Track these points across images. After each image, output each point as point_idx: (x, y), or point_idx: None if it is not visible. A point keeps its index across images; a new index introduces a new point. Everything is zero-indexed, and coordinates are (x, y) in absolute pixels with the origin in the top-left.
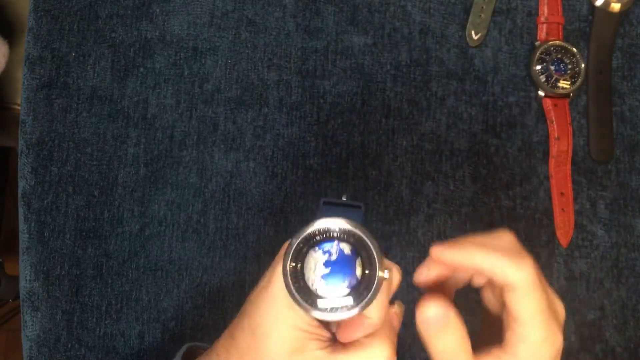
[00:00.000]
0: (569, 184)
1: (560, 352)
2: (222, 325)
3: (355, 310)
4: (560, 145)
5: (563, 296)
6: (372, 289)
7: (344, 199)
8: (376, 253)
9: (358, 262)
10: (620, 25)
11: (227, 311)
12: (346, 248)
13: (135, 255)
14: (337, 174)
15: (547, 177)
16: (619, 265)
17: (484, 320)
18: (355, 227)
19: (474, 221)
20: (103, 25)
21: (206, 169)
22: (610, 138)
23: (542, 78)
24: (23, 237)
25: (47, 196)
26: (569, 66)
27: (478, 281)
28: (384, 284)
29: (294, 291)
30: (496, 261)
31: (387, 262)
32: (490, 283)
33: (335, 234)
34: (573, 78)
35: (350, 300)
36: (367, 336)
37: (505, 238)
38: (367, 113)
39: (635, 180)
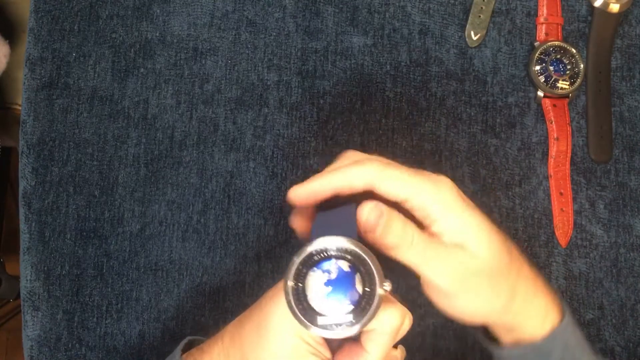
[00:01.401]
0: (568, 184)
1: None
2: (222, 325)
3: (356, 328)
4: (560, 146)
5: (562, 296)
6: (373, 306)
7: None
8: (375, 269)
9: (358, 278)
10: (619, 26)
11: (227, 311)
12: (344, 265)
13: (135, 255)
14: None
15: (547, 177)
16: (618, 265)
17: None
18: (352, 244)
19: None
20: (104, 25)
21: (206, 169)
22: (609, 138)
23: (542, 78)
24: (24, 237)
25: (48, 196)
26: (568, 66)
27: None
28: (392, 330)
29: (295, 310)
30: (342, 173)
31: (399, 305)
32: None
33: (332, 253)
34: (572, 78)
35: (350, 317)
36: None
37: (347, 155)
38: (367, 113)
39: (634, 180)
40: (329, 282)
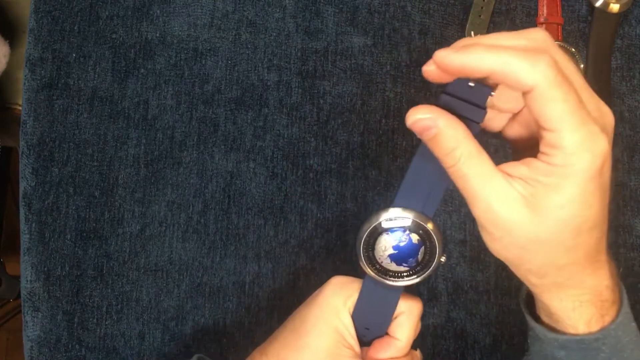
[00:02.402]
0: None
1: (606, 159)
2: (222, 325)
3: (406, 282)
4: None
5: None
6: (428, 270)
7: None
8: (438, 244)
9: (421, 251)
10: (620, 26)
11: (227, 311)
12: (414, 238)
13: (135, 256)
14: (337, 174)
15: None
16: (618, 265)
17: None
18: (426, 222)
19: (473, 221)
20: (104, 26)
21: (206, 170)
22: None
23: None
24: (24, 238)
25: (48, 197)
26: None
27: (501, 103)
28: (418, 313)
29: (362, 255)
30: (506, 62)
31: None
32: (515, 113)
33: (407, 224)
34: None
35: (407, 272)
36: None
37: (527, 35)
38: (367, 113)
39: (634, 180)
40: (396, 247)
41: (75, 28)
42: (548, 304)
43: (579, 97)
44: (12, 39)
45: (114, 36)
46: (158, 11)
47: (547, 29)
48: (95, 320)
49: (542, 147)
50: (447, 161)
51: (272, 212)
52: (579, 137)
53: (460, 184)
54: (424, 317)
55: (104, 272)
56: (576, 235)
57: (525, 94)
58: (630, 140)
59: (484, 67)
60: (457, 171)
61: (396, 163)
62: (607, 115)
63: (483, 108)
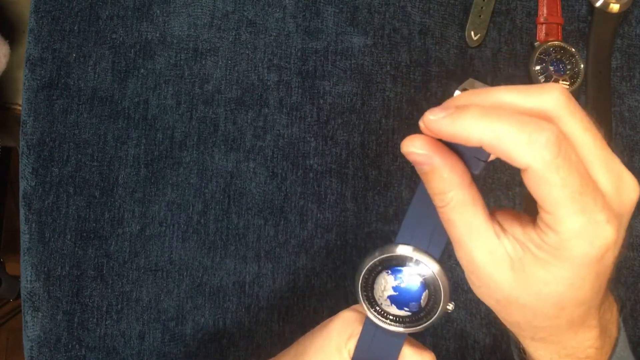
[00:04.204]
0: None
1: (608, 249)
2: (222, 325)
3: (407, 329)
4: None
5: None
6: (432, 319)
7: None
8: (444, 290)
9: (425, 295)
10: (620, 26)
11: (227, 311)
12: (417, 280)
13: (135, 256)
14: (337, 174)
15: None
16: (618, 265)
17: (526, 207)
18: (430, 263)
19: None
20: (104, 26)
21: (206, 170)
22: (609, 138)
23: (542, 78)
24: (24, 238)
25: (48, 197)
26: (568, 67)
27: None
28: None
29: (360, 294)
30: (498, 136)
31: (431, 352)
32: None
33: (409, 264)
34: (572, 78)
35: (407, 320)
36: None
37: (538, 95)
38: (367, 113)
39: None
40: (396, 288)
41: (75, 28)
42: (526, 349)
43: (585, 179)
44: (12, 39)
45: (114, 36)
46: (158, 11)
47: (547, 29)
48: (95, 320)
49: (539, 221)
50: (437, 202)
51: (272, 212)
52: (577, 225)
53: (447, 227)
54: None
55: (104, 272)
56: (558, 309)
57: (521, 169)
58: (630, 140)
59: (473, 139)
60: (445, 214)
61: (396, 163)
62: (629, 190)
63: None
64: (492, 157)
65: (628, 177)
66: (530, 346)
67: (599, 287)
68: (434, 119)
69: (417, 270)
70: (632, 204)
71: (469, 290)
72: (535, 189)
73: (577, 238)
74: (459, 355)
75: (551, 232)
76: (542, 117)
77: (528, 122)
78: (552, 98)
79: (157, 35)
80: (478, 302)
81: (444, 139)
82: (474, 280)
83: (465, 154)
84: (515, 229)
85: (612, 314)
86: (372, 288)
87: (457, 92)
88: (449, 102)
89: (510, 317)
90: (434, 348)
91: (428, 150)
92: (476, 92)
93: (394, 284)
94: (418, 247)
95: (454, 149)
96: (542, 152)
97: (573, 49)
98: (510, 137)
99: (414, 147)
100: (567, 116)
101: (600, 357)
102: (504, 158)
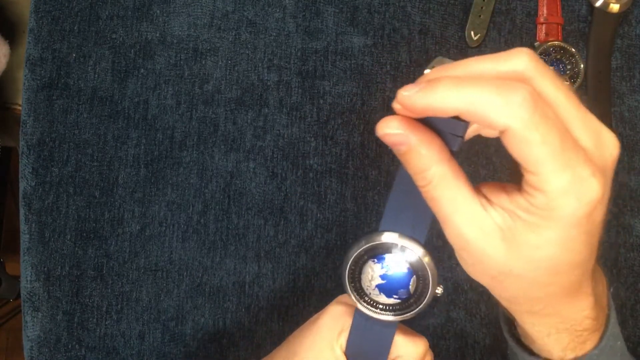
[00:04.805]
0: None
1: (596, 205)
2: (222, 325)
3: (397, 317)
4: None
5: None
6: (424, 301)
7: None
8: (431, 275)
9: (413, 280)
10: (619, 26)
11: (227, 311)
12: (404, 267)
13: (135, 256)
14: (337, 174)
15: None
16: (618, 265)
17: (513, 172)
18: (415, 248)
19: None
20: (104, 26)
21: (206, 170)
22: None
23: None
24: (24, 238)
25: (48, 197)
26: (568, 67)
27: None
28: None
29: (347, 285)
30: (472, 102)
31: (423, 338)
32: None
33: (395, 250)
34: (572, 78)
35: (396, 308)
36: None
37: (507, 59)
38: (367, 113)
39: (634, 180)
40: (384, 277)
41: (75, 28)
42: (522, 326)
43: (565, 135)
44: (12, 39)
45: (114, 36)
46: (158, 11)
47: (547, 29)
48: (95, 320)
49: (524, 185)
50: (418, 181)
51: (272, 212)
52: (563, 181)
53: (432, 206)
54: (424, 316)
55: (104, 272)
56: (553, 274)
57: (500, 132)
58: (630, 140)
59: (449, 108)
60: (428, 193)
61: (396, 163)
62: (608, 145)
63: (465, 121)
64: (469, 134)
65: (607, 133)
66: (527, 322)
67: (590, 248)
68: (408, 95)
69: (403, 257)
70: (614, 160)
71: (469, 290)
72: (517, 150)
73: (564, 196)
74: (459, 355)
75: (538, 193)
76: (514, 80)
77: (501, 84)
78: (522, 61)
79: (157, 35)
80: (478, 302)
81: (420, 114)
82: (465, 258)
83: (442, 132)
84: (502, 198)
85: (603, 288)
86: (360, 278)
87: (427, 71)
88: (421, 78)
89: (506, 292)
90: (434, 348)
91: (404, 130)
92: (446, 66)
93: (381, 272)
94: (403, 234)
95: (431, 127)
96: (519, 111)
97: (573, 49)
98: (486, 101)
99: (389, 129)
100: (538, 77)
101: (597, 327)
102: (481, 123)
